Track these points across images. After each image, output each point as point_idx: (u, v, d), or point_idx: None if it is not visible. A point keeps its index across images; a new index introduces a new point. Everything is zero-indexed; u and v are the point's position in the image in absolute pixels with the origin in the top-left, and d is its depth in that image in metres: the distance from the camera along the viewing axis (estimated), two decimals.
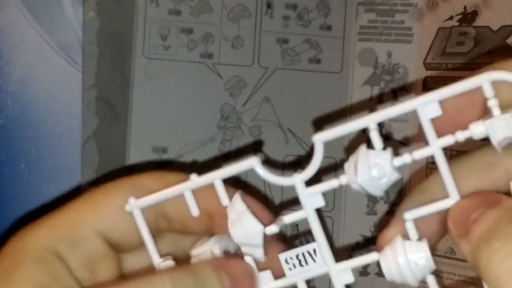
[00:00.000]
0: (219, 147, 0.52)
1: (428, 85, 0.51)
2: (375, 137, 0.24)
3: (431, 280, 0.24)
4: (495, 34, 0.49)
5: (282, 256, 0.26)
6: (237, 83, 0.52)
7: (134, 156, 0.51)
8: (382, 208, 0.52)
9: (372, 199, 0.52)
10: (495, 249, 0.21)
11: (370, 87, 0.53)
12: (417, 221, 0.24)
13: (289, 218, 0.26)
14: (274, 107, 0.53)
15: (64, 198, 0.26)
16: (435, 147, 0.24)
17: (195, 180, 0.25)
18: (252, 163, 0.25)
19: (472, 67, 0.49)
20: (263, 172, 0.25)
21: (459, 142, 0.23)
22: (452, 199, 0.24)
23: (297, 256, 0.26)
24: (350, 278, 0.25)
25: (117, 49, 0.50)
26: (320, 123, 0.52)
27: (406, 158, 0.24)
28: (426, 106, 0.23)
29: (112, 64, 0.49)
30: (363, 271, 0.51)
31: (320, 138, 0.25)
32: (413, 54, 0.52)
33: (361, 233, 0.52)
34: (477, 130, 0.23)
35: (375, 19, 0.53)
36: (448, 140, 0.23)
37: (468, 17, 0.50)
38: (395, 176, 0.24)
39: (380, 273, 0.51)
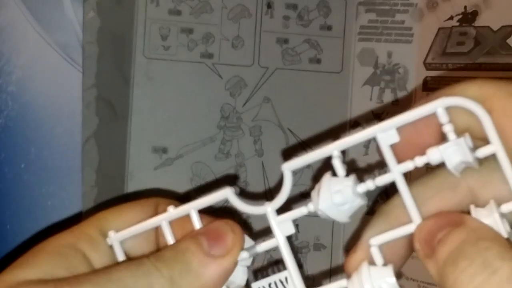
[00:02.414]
0: (219, 147, 0.52)
1: (428, 85, 0.51)
2: (338, 165, 0.24)
3: None
4: (495, 34, 0.49)
5: (255, 286, 0.26)
6: (237, 83, 0.52)
7: (134, 156, 0.51)
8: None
9: (372, 199, 0.52)
10: (461, 269, 0.22)
11: (370, 87, 0.53)
12: (383, 246, 0.25)
13: (261, 247, 0.26)
14: (274, 107, 0.53)
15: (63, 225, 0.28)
16: (395, 172, 0.24)
17: (172, 212, 0.27)
18: (226, 194, 0.26)
19: (472, 67, 0.49)
20: (236, 202, 0.26)
21: (418, 167, 0.24)
22: (415, 224, 0.24)
23: (269, 285, 0.26)
24: None
25: (117, 49, 0.50)
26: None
27: (368, 184, 0.24)
28: (385, 133, 0.24)
29: (112, 64, 0.49)
30: None
31: (288, 167, 0.25)
32: (413, 54, 0.52)
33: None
34: (433, 156, 0.23)
35: (375, 19, 0.53)
36: (408, 165, 0.24)
37: (469, 17, 0.50)
38: (357, 202, 0.24)
39: None
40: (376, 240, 0.25)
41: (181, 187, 0.51)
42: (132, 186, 0.51)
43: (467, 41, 0.50)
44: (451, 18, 0.51)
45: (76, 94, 0.49)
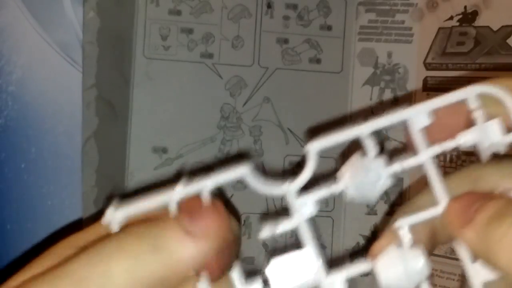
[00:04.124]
0: (219, 147, 0.52)
1: (428, 85, 0.51)
2: (370, 144, 0.25)
3: (426, 287, 0.24)
4: (495, 34, 0.49)
5: (274, 262, 0.25)
6: (237, 83, 0.52)
7: (134, 156, 0.51)
8: (382, 208, 0.52)
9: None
10: (508, 224, 0.22)
11: (370, 87, 0.53)
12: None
13: (280, 227, 0.25)
14: (274, 107, 0.53)
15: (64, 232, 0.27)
16: (425, 156, 0.25)
17: (181, 191, 0.24)
18: (243, 172, 0.24)
19: (472, 67, 0.49)
20: (253, 182, 0.25)
21: (447, 151, 0.24)
22: (442, 205, 0.25)
23: (288, 263, 0.25)
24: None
25: (117, 49, 0.50)
26: (318, 129, 0.52)
27: (397, 166, 0.25)
28: (417, 116, 0.25)
29: (112, 64, 0.49)
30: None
31: (314, 147, 0.25)
32: (413, 54, 0.52)
33: (361, 233, 0.52)
34: (464, 139, 0.24)
35: (375, 19, 0.53)
36: (437, 149, 0.24)
37: (469, 17, 0.50)
38: (387, 182, 0.25)
39: None
40: (404, 221, 0.25)
41: None
42: (132, 186, 0.51)
43: (467, 41, 0.50)
44: (451, 18, 0.51)
45: (76, 94, 0.49)
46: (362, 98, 0.53)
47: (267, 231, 0.25)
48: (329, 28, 0.53)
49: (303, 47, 0.53)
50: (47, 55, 0.50)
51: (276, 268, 0.25)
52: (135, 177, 0.51)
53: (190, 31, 0.52)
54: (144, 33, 0.51)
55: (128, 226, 0.23)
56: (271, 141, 0.53)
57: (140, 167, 0.51)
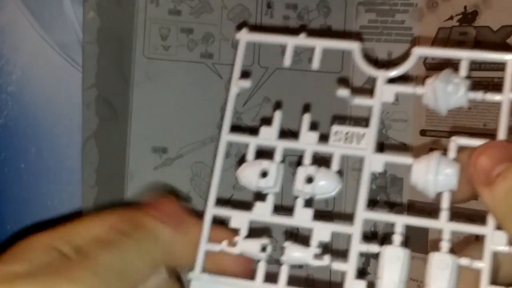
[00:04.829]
0: None
1: None
2: (463, 67, 0.28)
3: (447, 196, 0.26)
4: (495, 34, 0.49)
5: (334, 128, 0.29)
6: None
7: (134, 156, 0.51)
8: (382, 208, 0.52)
9: (372, 199, 0.52)
10: None
11: (370, 87, 0.53)
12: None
13: (358, 100, 0.30)
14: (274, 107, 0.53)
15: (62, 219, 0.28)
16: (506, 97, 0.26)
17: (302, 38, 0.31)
18: (353, 47, 0.30)
19: (472, 67, 0.49)
20: (358, 57, 0.31)
21: None
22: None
23: (346, 133, 0.28)
24: (379, 168, 0.28)
25: (117, 49, 0.50)
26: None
27: (477, 95, 0.27)
28: None
29: (112, 64, 0.49)
30: (363, 272, 0.51)
31: (417, 52, 0.29)
32: None
33: None
34: None
35: (375, 19, 0.53)
36: None
37: (468, 17, 0.50)
38: (462, 101, 0.27)
39: None
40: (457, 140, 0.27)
41: (181, 187, 0.51)
42: (132, 186, 0.51)
43: (467, 41, 0.50)
44: (451, 18, 0.51)
45: (76, 94, 0.49)
46: (362, 98, 0.53)
47: (344, 92, 0.30)
48: (329, 28, 0.53)
49: (303, 46, 0.53)
50: (47, 55, 0.50)
51: (337, 130, 0.29)
52: (135, 177, 0.51)
53: (190, 31, 0.52)
54: (144, 33, 0.51)
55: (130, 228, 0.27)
56: None
57: (140, 167, 0.51)
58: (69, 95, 0.50)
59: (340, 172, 0.28)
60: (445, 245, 0.26)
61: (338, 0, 0.53)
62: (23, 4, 0.50)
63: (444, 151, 0.27)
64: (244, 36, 0.31)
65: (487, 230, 0.25)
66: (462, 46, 0.50)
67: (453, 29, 0.50)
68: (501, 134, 0.26)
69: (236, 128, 0.31)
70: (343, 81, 0.53)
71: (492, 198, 0.24)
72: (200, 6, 0.52)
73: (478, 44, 0.49)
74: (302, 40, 0.30)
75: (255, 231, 0.28)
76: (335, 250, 0.31)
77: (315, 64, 0.30)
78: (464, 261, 0.25)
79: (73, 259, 0.25)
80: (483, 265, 0.25)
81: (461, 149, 0.27)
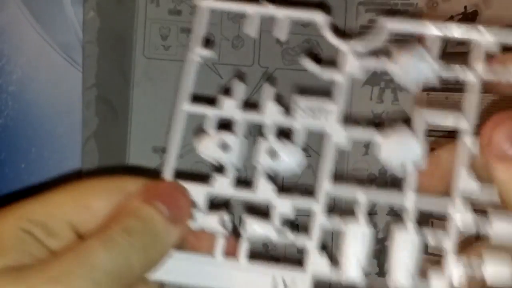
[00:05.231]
0: None
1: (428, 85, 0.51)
2: (435, 44, 0.28)
3: (411, 169, 0.26)
4: None
5: (298, 101, 0.28)
6: None
7: (134, 156, 0.51)
8: (382, 208, 0.52)
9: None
10: None
11: (370, 87, 0.53)
12: None
13: (325, 74, 0.30)
14: None
15: (63, 180, 0.27)
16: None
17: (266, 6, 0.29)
18: (318, 18, 0.29)
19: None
20: (326, 30, 0.30)
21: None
22: None
23: (311, 107, 0.28)
24: (345, 143, 0.27)
25: (117, 49, 0.50)
26: None
27: (449, 72, 0.27)
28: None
29: (112, 64, 0.49)
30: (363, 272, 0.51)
31: (388, 25, 0.29)
32: None
33: None
34: None
35: (375, 19, 0.53)
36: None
37: (469, 17, 0.50)
38: (434, 77, 0.27)
39: (380, 273, 0.51)
40: None
41: None
42: None
43: (467, 41, 0.50)
44: (451, 18, 0.51)
45: (76, 94, 0.49)
46: (362, 98, 0.53)
47: (307, 62, 0.29)
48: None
49: (303, 47, 0.53)
50: (47, 55, 0.50)
51: (304, 105, 0.28)
52: None
53: (190, 31, 0.52)
54: (144, 33, 0.51)
55: (126, 219, 0.25)
56: None
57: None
58: (69, 95, 0.50)
59: (304, 148, 0.28)
60: (410, 217, 0.26)
61: (338, 0, 0.53)
62: (23, 4, 0.50)
63: (408, 122, 0.27)
64: (205, 3, 0.31)
65: (453, 210, 0.25)
66: (462, 46, 0.50)
67: None
68: (471, 113, 0.26)
69: (199, 99, 0.30)
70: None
71: (504, 174, 0.23)
72: None
73: None
74: (265, 9, 0.29)
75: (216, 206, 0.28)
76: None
77: (282, 36, 0.29)
78: (430, 237, 0.25)
79: (68, 258, 0.23)
80: (449, 243, 0.25)
81: (440, 145, 0.27)
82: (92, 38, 0.47)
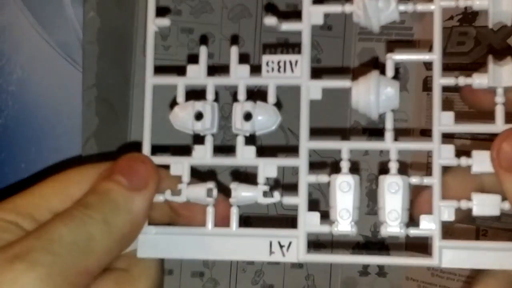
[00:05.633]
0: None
1: (428, 85, 0.51)
2: None
3: (390, 116, 0.26)
4: (495, 34, 0.49)
5: (265, 58, 0.27)
6: None
7: None
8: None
9: (372, 199, 0.52)
10: None
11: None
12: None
13: (287, 26, 0.28)
14: None
15: (63, 166, 0.28)
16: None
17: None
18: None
19: (472, 67, 0.49)
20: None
21: None
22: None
23: (278, 62, 0.27)
24: (318, 96, 0.28)
25: (117, 49, 0.50)
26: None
27: (409, 7, 0.27)
28: None
29: (112, 64, 0.49)
30: (363, 271, 0.51)
31: None
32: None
33: (361, 233, 0.52)
34: None
35: None
36: None
37: (469, 17, 0.50)
38: (395, 15, 0.27)
39: (380, 273, 0.51)
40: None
41: None
42: None
43: (467, 41, 0.50)
44: (451, 18, 0.51)
45: (76, 94, 0.49)
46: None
47: (271, 20, 0.27)
48: (329, 28, 0.53)
49: None
50: (47, 55, 0.50)
51: (269, 61, 0.27)
52: None
53: (190, 31, 0.52)
54: (144, 33, 0.51)
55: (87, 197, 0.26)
56: (271, 141, 0.52)
57: None
58: (69, 95, 0.50)
59: (277, 105, 0.28)
60: (393, 165, 0.26)
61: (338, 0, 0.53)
62: (23, 4, 0.50)
63: (382, 69, 0.27)
64: None
65: (434, 145, 0.25)
66: (462, 46, 0.50)
67: (454, 29, 0.50)
68: (436, 45, 0.26)
69: (163, 69, 0.30)
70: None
71: None
72: (200, 6, 0.52)
73: (478, 44, 0.49)
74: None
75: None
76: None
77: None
78: (414, 179, 0.25)
79: (30, 236, 0.24)
80: (434, 180, 0.25)
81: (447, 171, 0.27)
82: (92, 38, 0.47)
